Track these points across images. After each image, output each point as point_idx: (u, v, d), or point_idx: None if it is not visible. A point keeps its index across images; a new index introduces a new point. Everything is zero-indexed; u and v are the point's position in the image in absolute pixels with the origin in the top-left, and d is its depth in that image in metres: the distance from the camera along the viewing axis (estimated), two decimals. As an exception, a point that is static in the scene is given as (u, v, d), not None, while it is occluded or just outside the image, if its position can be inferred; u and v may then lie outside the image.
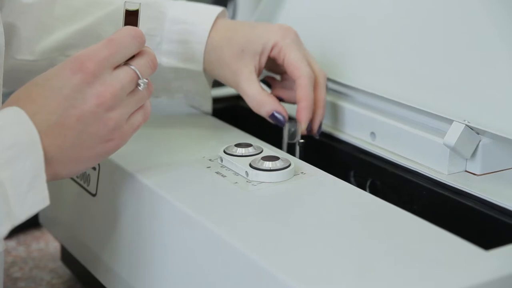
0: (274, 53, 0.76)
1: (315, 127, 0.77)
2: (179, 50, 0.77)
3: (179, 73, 0.78)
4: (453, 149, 0.68)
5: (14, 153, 0.55)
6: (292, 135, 0.77)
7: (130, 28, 0.61)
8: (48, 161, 0.57)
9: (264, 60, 0.77)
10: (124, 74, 0.60)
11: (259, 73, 0.77)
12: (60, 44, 0.78)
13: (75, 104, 0.58)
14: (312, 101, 0.75)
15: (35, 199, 0.56)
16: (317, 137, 0.78)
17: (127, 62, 0.61)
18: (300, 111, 0.75)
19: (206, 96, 0.82)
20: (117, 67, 0.60)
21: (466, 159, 0.69)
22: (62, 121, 0.58)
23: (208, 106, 0.83)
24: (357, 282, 0.51)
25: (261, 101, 0.75)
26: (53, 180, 0.59)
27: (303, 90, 0.75)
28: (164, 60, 0.77)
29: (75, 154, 0.59)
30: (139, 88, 0.61)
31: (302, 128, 0.75)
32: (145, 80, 0.62)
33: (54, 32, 0.78)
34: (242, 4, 1.32)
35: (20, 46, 0.78)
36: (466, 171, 0.70)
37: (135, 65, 0.61)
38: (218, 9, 0.79)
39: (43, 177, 0.57)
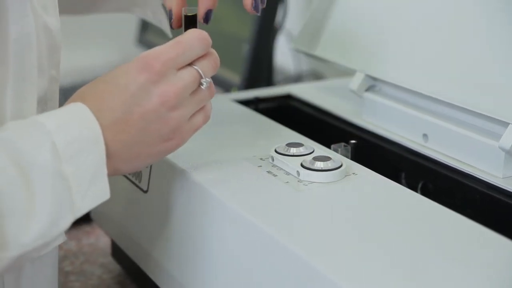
0: None
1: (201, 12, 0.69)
2: None
3: None
4: (509, 152, 0.67)
5: (77, 148, 0.56)
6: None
7: (197, 30, 0.63)
8: (110, 156, 0.58)
9: None
10: (188, 74, 0.61)
11: None
12: None
13: (140, 102, 0.59)
14: None
15: (96, 192, 0.58)
16: (204, 23, 0.70)
17: (191, 62, 0.62)
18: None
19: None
20: (181, 67, 0.61)
21: (522, 162, 0.68)
22: (126, 118, 0.59)
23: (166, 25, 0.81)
24: (407, 284, 0.50)
25: None
26: (113, 175, 0.60)
27: None
28: None
29: (136, 150, 0.60)
30: (202, 87, 0.62)
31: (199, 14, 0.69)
32: (207, 79, 0.62)
33: None
34: (293, 5, 1.32)
35: None
36: (521, 175, 0.69)
37: (198, 65, 0.62)
38: None
39: (104, 171, 0.58)
